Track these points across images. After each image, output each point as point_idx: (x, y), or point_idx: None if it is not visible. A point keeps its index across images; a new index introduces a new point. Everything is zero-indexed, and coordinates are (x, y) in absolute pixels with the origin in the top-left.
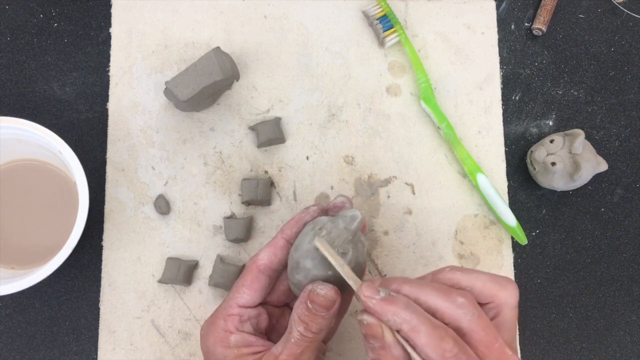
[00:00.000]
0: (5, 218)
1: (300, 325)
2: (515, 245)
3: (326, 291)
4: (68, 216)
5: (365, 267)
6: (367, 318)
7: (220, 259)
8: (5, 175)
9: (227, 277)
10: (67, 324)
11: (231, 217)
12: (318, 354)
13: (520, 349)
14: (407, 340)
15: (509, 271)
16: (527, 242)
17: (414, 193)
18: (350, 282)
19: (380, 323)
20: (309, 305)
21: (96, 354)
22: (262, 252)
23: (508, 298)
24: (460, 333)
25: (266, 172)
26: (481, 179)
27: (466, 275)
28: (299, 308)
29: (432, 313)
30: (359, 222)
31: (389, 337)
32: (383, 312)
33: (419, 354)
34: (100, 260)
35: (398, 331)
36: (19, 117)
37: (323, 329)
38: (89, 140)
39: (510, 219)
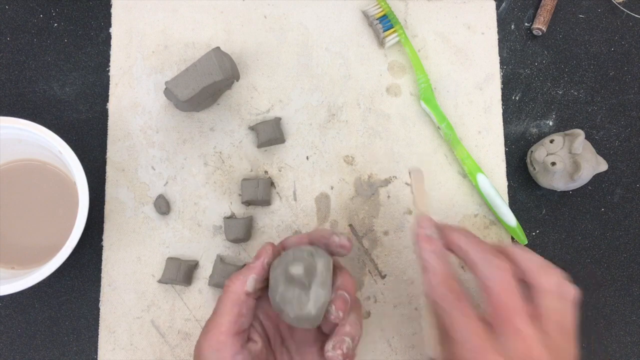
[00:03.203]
0: (5, 218)
1: None
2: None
3: None
4: (68, 216)
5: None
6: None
7: (220, 259)
8: (5, 175)
9: (227, 277)
10: (67, 324)
11: (231, 217)
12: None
13: None
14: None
15: None
16: (527, 242)
17: (413, 193)
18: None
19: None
20: None
21: (96, 354)
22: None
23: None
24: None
25: (266, 172)
26: (481, 179)
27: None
28: None
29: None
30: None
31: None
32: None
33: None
34: (100, 260)
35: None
36: (19, 117)
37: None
38: (89, 141)
39: (510, 219)
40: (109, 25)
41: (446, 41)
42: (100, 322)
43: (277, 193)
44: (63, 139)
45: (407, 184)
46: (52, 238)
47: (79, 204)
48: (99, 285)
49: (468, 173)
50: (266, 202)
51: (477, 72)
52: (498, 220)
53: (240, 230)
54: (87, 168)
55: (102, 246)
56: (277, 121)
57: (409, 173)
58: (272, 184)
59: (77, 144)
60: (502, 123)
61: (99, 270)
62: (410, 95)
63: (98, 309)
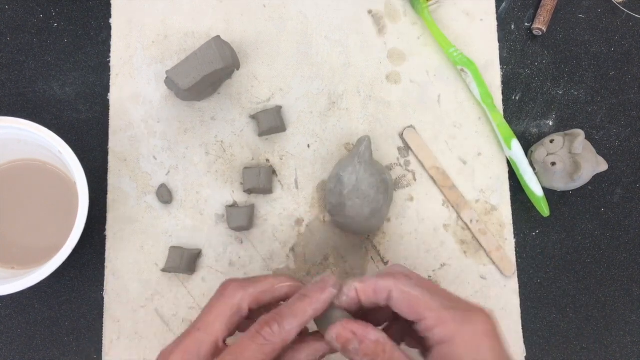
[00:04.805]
0: (5, 218)
1: None
2: (516, 246)
3: None
4: (68, 216)
5: None
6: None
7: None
8: (5, 175)
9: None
10: (67, 324)
11: (233, 205)
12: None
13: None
14: None
15: (510, 253)
16: (549, 215)
17: (415, 180)
18: None
19: None
20: None
21: (97, 355)
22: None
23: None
24: None
25: (268, 160)
26: (515, 145)
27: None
28: None
29: None
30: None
31: None
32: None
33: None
34: (104, 250)
35: None
36: (19, 117)
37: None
38: (89, 140)
39: (537, 188)
40: (109, 26)
41: (445, 28)
42: (104, 311)
43: (279, 181)
44: (63, 139)
45: (404, 147)
46: (52, 238)
47: (79, 204)
48: (102, 283)
49: (502, 138)
50: (268, 190)
51: (476, 58)
52: (524, 189)
53: (243, 219)
54: (89, 160)
55: (105, 236)
56: (278, 110)
57: (402, 136)
58: (273, 172)
59: (77, 144)
60: (502, 108)
61: (103, 261)
62: (410, 83)
63: (98, 309)
